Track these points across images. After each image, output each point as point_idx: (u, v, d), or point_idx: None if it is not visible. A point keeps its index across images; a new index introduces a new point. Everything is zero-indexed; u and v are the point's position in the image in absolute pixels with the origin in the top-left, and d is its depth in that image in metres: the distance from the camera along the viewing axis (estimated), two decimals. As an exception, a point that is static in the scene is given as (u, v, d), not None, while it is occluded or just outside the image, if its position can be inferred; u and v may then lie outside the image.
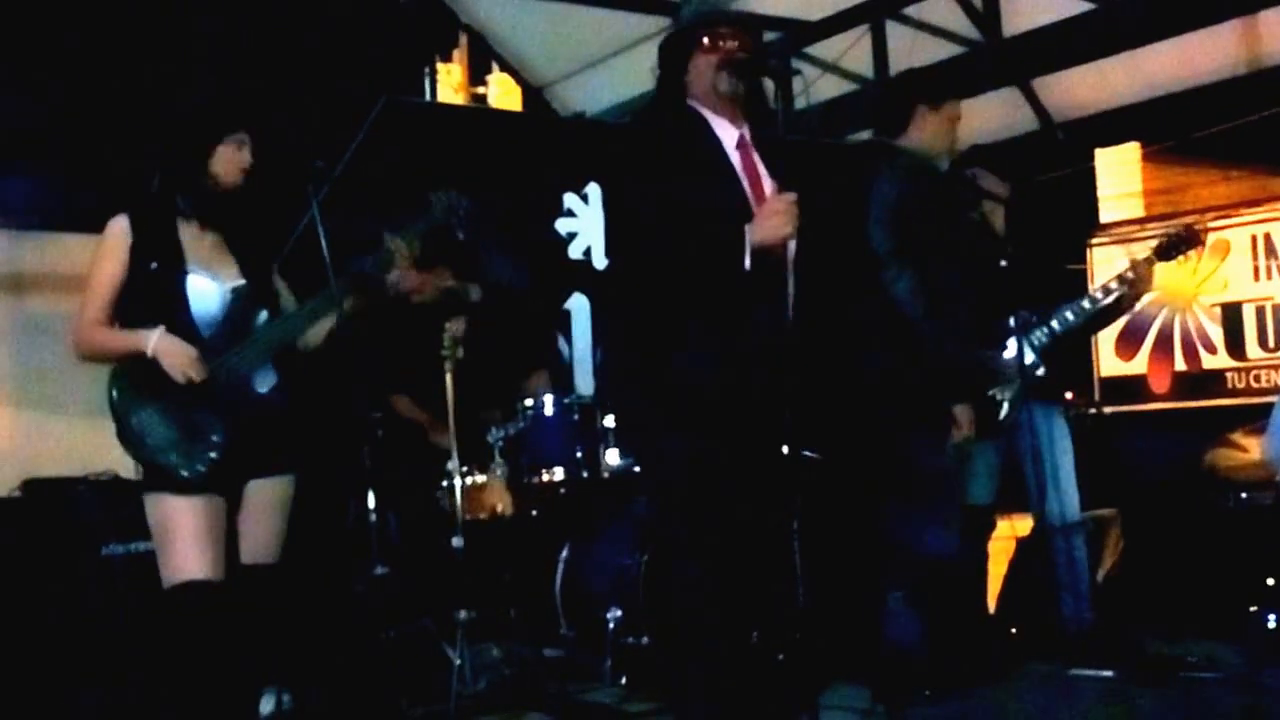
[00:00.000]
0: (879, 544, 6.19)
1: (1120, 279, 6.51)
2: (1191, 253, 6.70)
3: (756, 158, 4.84)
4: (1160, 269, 6.64)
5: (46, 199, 8.53)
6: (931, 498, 5.90)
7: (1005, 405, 6.23)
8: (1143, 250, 6.70)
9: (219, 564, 4.84)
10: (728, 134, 4.81)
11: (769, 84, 5.02)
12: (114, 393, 4.83)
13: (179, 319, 4.86)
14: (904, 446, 5.91)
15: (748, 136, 4.84)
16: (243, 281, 4.99)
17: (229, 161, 4.96)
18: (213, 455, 4.81)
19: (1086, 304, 6.46)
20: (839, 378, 5.75)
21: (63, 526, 6.62)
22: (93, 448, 5.07)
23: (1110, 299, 6.50)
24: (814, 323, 4.86)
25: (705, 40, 4.80)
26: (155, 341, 4.79)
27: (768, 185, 4.81)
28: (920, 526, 5.94)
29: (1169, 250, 6.54)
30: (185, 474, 4.78)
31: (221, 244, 5.04)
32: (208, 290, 4.91)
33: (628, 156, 4.86)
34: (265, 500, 5.01)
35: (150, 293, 4.88)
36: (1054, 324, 6.39)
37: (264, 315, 5.01)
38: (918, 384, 5.75)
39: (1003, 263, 6.31)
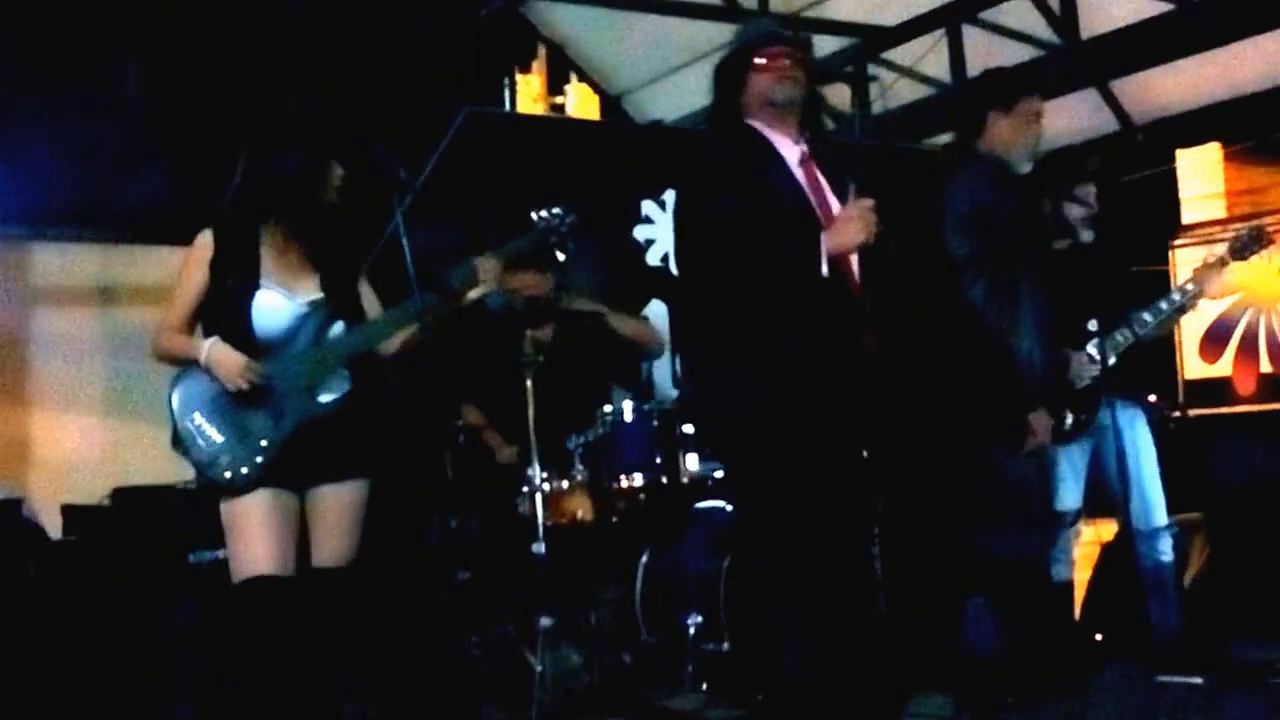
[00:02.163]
0: (958, 550, 6.17)
1: (1194, 280, 6.49)
2: (1264, 251, 6.65)
3: (819, 174, 4.90)
4: (1244, 270, 6.61)
5: (137, 212, 8.63)
6: (1009, 503, 5.87)
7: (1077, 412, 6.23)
8: (1218, 251, 6.66)
9: (286, 560, 4.94)
10: (790, 151, 4.88)
11: (844, 90, 5.08)
12: (172, 398, 4.97)
13: (240, 333, 4.97)
14: (981, 452, 5.89)
15: (809, 153, 4.90)
16: (320, 295, 5.07)
17: (335, 179, 5.07)
18: (259, 459, 4.90)
19: (1164, 305, 6.44)
20: (917, 382, 5.74)
21: (151, 534, 6.70)
22: (181, 457, 5.14)
23: (1186, 299, 6.48)
24: (891, 329, 4.89)
25: (759, 60, 4.88)
26: (207, 350, 4.93)
27: (832, 201, 4.85)
28: (999, 532, 5.92)
29: (1240, 250, 6.51)
30: (229, 475, 4.90)
31: (305, 258, 5.12)
32: (277, 305, 5.01)
33: (698, 170, 4.91)
34: (335, 505, 5.08)
35: (220, 306, 5.02)
36: (1134, 327, 6.37)
37: (339, 327, 5.08)
38: (994, 390, 5.73)
39: (1083, 265, 6.30)
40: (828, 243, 4.61)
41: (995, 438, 5.82)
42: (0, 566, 6.52)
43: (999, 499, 5.86)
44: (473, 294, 5.24)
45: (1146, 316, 6.41)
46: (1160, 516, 6.45)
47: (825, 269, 4.59)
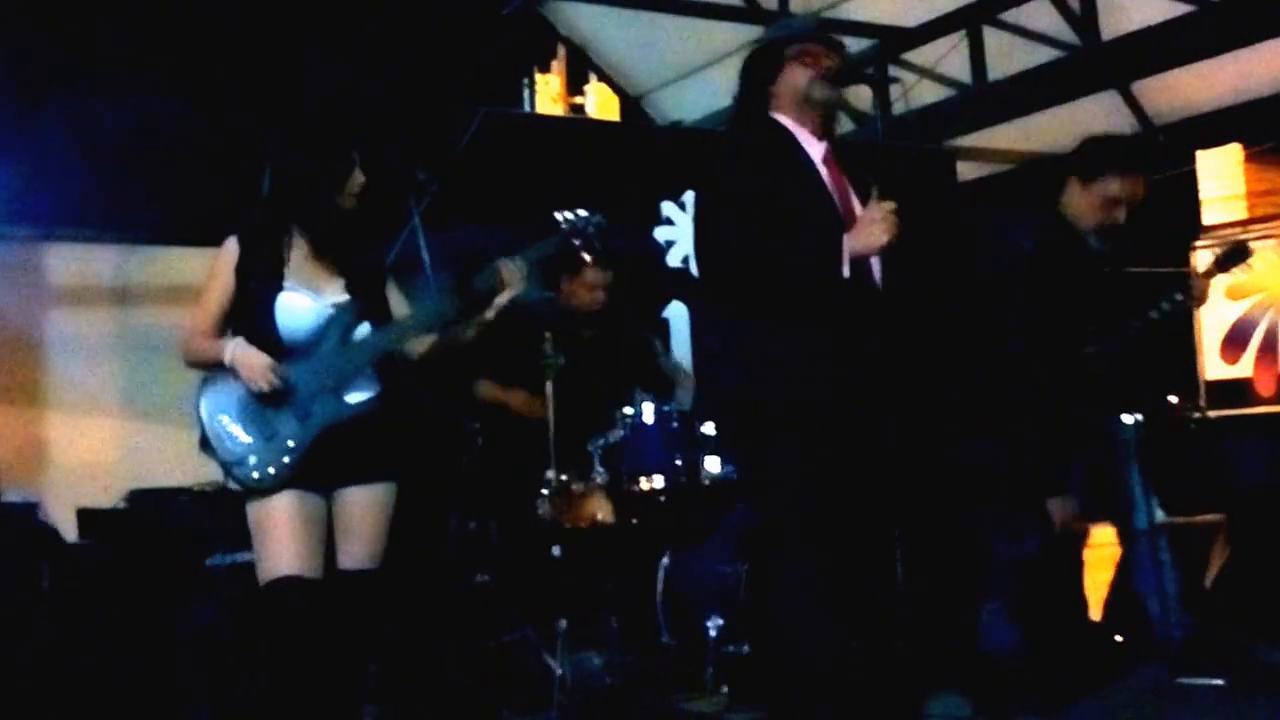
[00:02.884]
0: (975, 553, 6.15)
1: (1182, 291, 6.44)
2: (1246, 264, 6.60)
3: (842, 174, 4.86)
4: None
5: (154, 213, 8.63)
6: (1014, 504, 5.85)
7: None
8: (1204, 264, 6.61)
9: (314, 562, 4.92)
10: (814, 148, 4.83)
11: (865, 91, 5.06)
12: (200, 399, 4.96)
13: (264, 334, 4.95)
14: (995, 455, 5.88)
15: (830, 151, 4.87)
16: (345, 297, 5.05)
17: (355, 185, 5.06)
18: (286, 460, 4.88)
19: (1154, 315, 6.40)
20: (935, 384, 5.73)
21: (167, 537, 6.68)
22: (198, 459, 5.12)
23: (1172, 308, 6.44)
24: (909, 330, 4.87)
25: (799, 53, 4.83)
26: (232, 351, 4.91)
27: (854, 201, 4.82)
28: (1006, 533, 5.90)
29: (1224, 263, 6.48)
30: (257, 476, 4.88)
31: (331, 260, 5.11)
32: (302, 306, 4.99)
33: (721, 168, 4.86)
34: (362, 507, 5.06)
35: (245, 308, 5.00)
36: (1125, 333, 6.34)
37: (365, 329, 5.06)
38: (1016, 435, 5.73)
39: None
40: (850, 244, 4.58)
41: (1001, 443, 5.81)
42: (16, 570, 6.52)
43: (1005, 499, 5.84)
44: (500, 299, 5.19)
45: (1137, 324, 6.37)
46: (1158, 516, 6.44)
47: (847, 270, 4.57)
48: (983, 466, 5.99)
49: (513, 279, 5.18)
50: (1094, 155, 6.12)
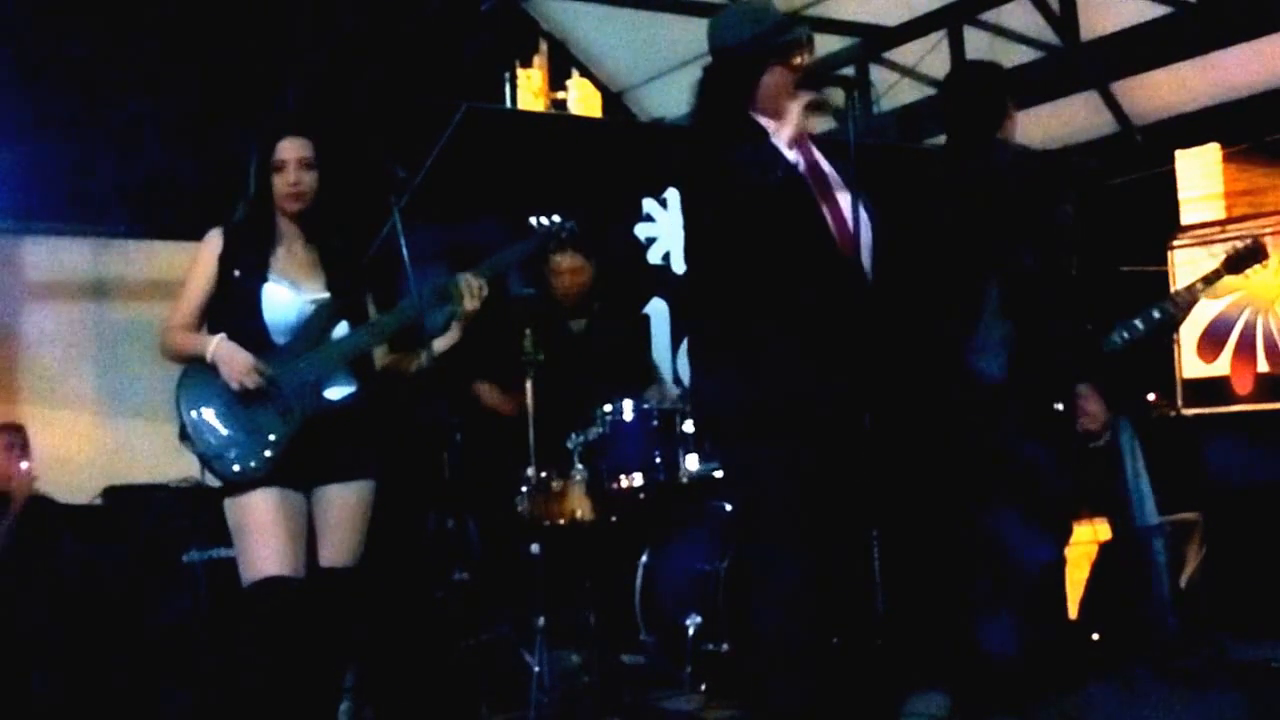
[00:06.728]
0: (982, 556, 6.13)
1: (1189, 289, 6.44)
2: (1259, 264, 6.61)
3: (815, 151, 4.83)
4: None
5: (130, 206, 8.60)
6: (1040, 506, 5.84)
7: None
8: (1212, 263, 6.62)
9: (297, 561, 4.91)
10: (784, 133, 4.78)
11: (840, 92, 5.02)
12: (179, 392, 4.93)
13: (251, 325, 4.95)
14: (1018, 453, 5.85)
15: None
16: (326, 295, 5.05)
17: (280, 182, 5.05)
18: (268, 454, 4.87)
19: (1156, 314, 6.40)
20: (931, 388, 5.71)
21: (144, 534, 6.67)
22: (174, 455, 5.11)
23: (1175, 310, 6.44)
24: (895, 325, 4.85)
25: (786, 53, 4.79)
26: (214, 348, 4.89)
27: (834, 180, 4.79)
28: (1028, 537, 5.88)
29: (1237, 263, 6.48)
30: (238, 469, 4.86)
31: (314, 258, 5.12)
32: (285, 299, 5.00)
33: (696, 168, 4.84)
34: (342, 505, 5.06)
35: (228, 299, 5.00)
36: (1124, 333, 6.33)
37: (344, 327, 5.06)
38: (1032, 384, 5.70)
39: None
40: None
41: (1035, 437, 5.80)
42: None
43: (1031, 501, 5.83)
44: (459, 314, 5.19)
45: (1137, 324, 6.37)
46: (1152, 516, 6.45)
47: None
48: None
49: (471, 292, 5.18)
50: None
